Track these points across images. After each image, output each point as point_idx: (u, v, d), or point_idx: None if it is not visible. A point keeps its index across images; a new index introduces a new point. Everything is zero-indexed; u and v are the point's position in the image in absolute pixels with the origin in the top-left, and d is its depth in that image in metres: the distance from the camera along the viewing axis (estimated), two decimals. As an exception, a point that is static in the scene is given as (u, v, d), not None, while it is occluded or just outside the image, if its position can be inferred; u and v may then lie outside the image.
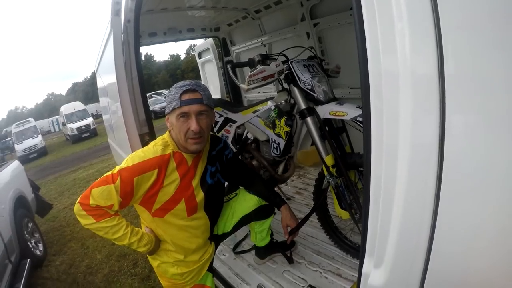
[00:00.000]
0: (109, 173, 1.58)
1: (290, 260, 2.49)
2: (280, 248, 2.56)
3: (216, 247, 2.19)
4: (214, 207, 1.97)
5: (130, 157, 1.64)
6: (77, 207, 1.55)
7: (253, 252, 2.66)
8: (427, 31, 0.75)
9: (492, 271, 0.83)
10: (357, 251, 2.28)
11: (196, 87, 1.65)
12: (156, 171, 1.61)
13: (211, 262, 2.06)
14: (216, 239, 2.14)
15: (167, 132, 1.77)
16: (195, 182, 1.77)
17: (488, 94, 0.72)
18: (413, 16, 0.78)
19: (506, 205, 0.75)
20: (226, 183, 2.11)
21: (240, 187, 2.31)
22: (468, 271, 0.88)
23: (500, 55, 0.69)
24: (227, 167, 2.04)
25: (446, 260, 0.87)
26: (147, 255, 1.90)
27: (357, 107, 1.91)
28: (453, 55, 0.74)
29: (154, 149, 1.67)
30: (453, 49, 0.74)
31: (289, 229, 2.11)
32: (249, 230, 2.66)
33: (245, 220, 2.24)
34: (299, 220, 2.17)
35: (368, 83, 0.91)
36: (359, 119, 1.83)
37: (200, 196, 1.78)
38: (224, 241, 2.95)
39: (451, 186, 0.80)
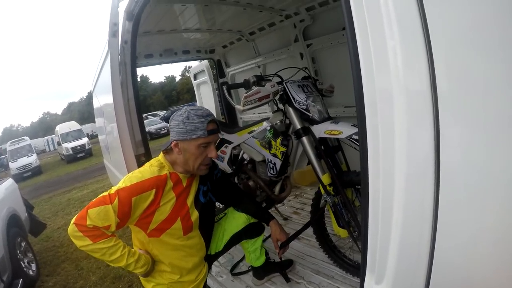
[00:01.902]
0: (105, 193, 1.57)
1: (287, 279, 2.48)
2: (277, 268, 2.54)
3: (210, 267, 2.18)
4: (207, 226, 2.00)
5: (127, 178, 1.65)
6: (72, 228, 1.52)
7: (251, 273, 2.63)
8: (418, 49, 0.78)
9: (494, 280, 0.84)
10: (356, 269, 2.26)
11: (215, 118, 1.74)
12: (153, 191, 1.62)
13: (205, 283, 2.05)
14: (209, 259, 2.14)
15: (161, 154, 1.80)
16: (190, 201, 1.80)
17: (480, 106, 0.74)
18: (404, 35, 0.81)
19: (504, 214, 0.77)
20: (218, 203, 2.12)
21: (229, 207, 2.32)
22: (470, 281, 0.88)
23: (489, 68, 0.72)
24: (216, 186, 2.08)
25: (448, 272, 0.88)
26: (141, 278, 1.88)
27: (352, 125, 1.93)
28: (444, 71, 0.77)
29: (150, 169, 1.69)
30: (444, 64, 0.77)
31: (279, 243, 2.12)
32: (246, 251, 2.65)
33: (236, 238, 2.24)
34: (290, 235, 2.18)
35: (363, 101, 0.93)
36: (354, 137, 1.85)
37: (195, 215, 1.81)
38: (222, 262, 2.93)
39: (449, 198, 0.82)
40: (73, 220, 1.53)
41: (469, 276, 0.88)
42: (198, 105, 5.57)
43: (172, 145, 1.72)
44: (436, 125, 0.79)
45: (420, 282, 0.92)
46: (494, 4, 0.71)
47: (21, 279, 3.67)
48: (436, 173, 0.81)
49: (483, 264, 0.84)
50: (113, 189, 1.59)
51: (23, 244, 4.43)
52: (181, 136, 1.66)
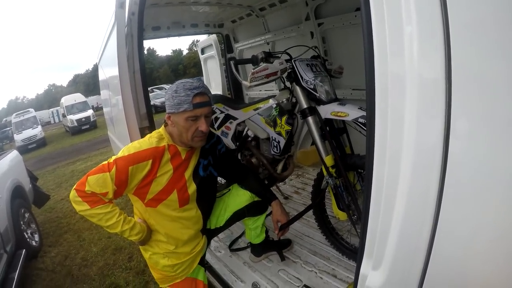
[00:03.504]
0: (105, 162, 1.64)
1: (282, 258, 2.51)
2: (276, 247, 2.57)
3: (209, 241, 2.21)
4: (206, 200, 2.01)
5: (126, 148, 1.70)
6: (73, 193, 1.60)
7: (249, 250, 2.66)
8: (435, 35, 0.76)
9: (492, 275, 0.83)
10: (353, 253, 2.28)
11: (204, 90, 1.70)
12: (150, 161, 1.66)
13: (203, 256, 2.09)
14: (208, 233, 2.16)
15: (162, 126, 1.83)
16: (188, 174, 1.82)
17: (495, 98, 0.72)
18: (422, 20, 0.78)
19: (508, 209, 0.75)
20: (221, 178, 2.12)
21: (233, 183, 2.32)
22: (467, 274, 0.88)
23: (508, 60, 0.69)
24: (220, 161, 2.09)
25: (446, 263, 0.88)
26: (139, 246, 1.94)
27: (358, 108, 1.90)
28: (461, 60, 0.74)
29: (149, 141, 1.73)
30: (461, 53, 0.74)
31: (279, 224, 2.12)
32: (246, 227, 2.67)
33: (238, 215, 2.26)
34: (291, 217, 2.20)
35: (374, 85, 0.91)
36: (361, 120, 1.83)
37: (192, 188, 1.84)
38: (221, 238, 2.96)
39: (454, 190, 0.81)
40: (74, 186, 1.61)
41: (466, 271, 0.88)
42: (204, 79, 5.53)
43: (166, 118, 1.76)
44: (448, 115, 0.77)
45: (417, 272, 0.92)
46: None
47: (24, 250, 3.74)
48: (443, 165, 0.80)
49: (482, 260, 0.84)
50: (112, 158, 1.65)
51: (26, 215, 4.50)
52: (171, 109, 1.70)
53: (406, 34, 0.81)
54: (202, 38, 5.56)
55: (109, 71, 3.44)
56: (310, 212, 2.49)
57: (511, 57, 0.69)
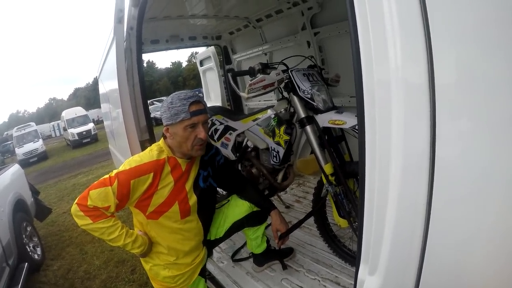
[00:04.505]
0: (107, 176, 1.64)
1: (284, 267, 2.50)
2: (278, 256, 2.56)
3: (209, 252, 2.21)
4: (206, 211, 2.03)
5: (127, 161, 1.71)
6: (74, 208, 1.61)
7: (251, 259, 2.66)
8: (417, 41, 0.78)
9: (485, 277, 0.84)
10: (355, 259, 2.27)
11: (199, 99, 1.73)
12: (151, 174, 1.67)
13: (203, 267, 2.09)
14: (208, 244, 2.17)
15: (161, 139, 1.84)
16: (188, 185, 1.84)
17: (478, 101, 0.74)
18: (404, 26, 0.80)
19: (498, 212, 0.76)
20: (220, 189, 2.12)
21: (232, 194, 2.33)
22: (462, 278, 0.89)
23: (489, 63, 0.72)
24: (218, 172, 2.10)
25: (439, 267, 0.88)
26: (140, 258, 1.95)
27: (356, 116, 1.91)
28: (443, 64, 0.76)
29: (150, 154, 1.74)
30: (443, 58, 0.76)
31: (279, 233, 2.13)
32: (247, 238, 2.67)
33: (238, 226, 2.27)
34: (290, 226, 2.20)
35: (362, 92, 0.93)
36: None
37: (193, 199, 1.85)
38: (223, 248, 2.96)
39: (443, 193, 0.82)
40: (76, 200, 1.62)
41: (460, 274, 0.89)
42: (203, 91, 5.57)
43: (164, 130, 1.78)
44: (433, 119, 0.78)
45: (411, 276, 0.93)
46: (496, 1, 0.71)
47: (26, 263, 3.75)
48: (431, 169, 0.81)
49: (474, 263, 0.85)
50: (114, 172, 1.66)
51: (28, 228, 4.51)
52: (168, 120, 1.71)
53: (389, 41, 0.83)
54: (201, 50, 5.61)
55: (109, 85, 3.47)
56: (312, 221, 2.50)
57: (491, 61, 0.71)
